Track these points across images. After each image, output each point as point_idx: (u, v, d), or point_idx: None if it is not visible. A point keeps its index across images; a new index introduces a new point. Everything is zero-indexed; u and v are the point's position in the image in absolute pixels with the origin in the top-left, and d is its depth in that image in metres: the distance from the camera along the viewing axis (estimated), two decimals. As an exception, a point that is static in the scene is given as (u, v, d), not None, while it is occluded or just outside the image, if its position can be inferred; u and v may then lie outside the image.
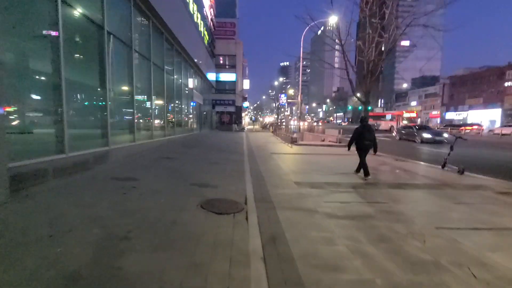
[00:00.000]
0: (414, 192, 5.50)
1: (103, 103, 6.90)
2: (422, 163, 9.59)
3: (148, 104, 10.33)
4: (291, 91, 30.13)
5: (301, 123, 23.53)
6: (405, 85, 68.95)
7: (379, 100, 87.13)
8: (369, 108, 53.95)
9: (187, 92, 16.38)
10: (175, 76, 13.45)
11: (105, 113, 6.92)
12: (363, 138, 6.51)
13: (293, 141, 16.34)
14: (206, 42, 23.77)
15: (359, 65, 15.22)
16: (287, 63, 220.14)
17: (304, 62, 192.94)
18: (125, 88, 8.39)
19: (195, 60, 16.81)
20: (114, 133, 7.33)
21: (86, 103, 6.68)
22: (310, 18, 13.05)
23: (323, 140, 18.94)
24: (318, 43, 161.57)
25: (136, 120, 8.79)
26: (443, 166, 8.29)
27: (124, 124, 8.45)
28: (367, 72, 13.34)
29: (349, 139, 6.96)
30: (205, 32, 22.96)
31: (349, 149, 6.94)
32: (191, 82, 17.93)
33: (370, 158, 7.17)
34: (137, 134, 8.88)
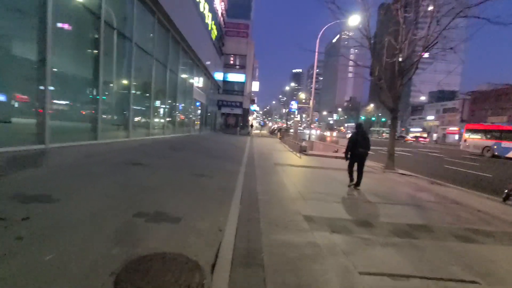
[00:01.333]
0: (500, 249, 3.37)
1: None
2: (469, 190, 7.36)
3: (127, 97, 8.50)
4: (302, 95, 27.95)
5: (313, 131, 21.55)
6: (423, 98, 65.83)
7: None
8: (383, 119, 51.21)
9: (185, 88, 14.57)
10: (168, 68, 11.65)
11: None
12: (358, 146, 6.16)
13: (302, 150, 14.25)
14: (214, 37, 22.10)
15: (382, 68, 13.07)
16: (300, 70, 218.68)
17: (318, 70, 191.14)
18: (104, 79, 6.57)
19: (197, 53, 15.03)
20: (67, 128, 5.49)
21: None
22: (336, 6, 10.93)
23: (336, 151, 16.77)
24: (333, 50, 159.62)
25: (104, 116, 6.93)
26: (506, 199, 6.11)
27: (87, 117, 6.60)
28: (398, 73, 11.19)
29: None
30: (213, 26, 21.28)
31: (346, 159, 6.49)
32: (192, 78, 16.16)
33: (399, 181, 6.73)
34: (106, 132, 7.02)
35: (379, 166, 11.31)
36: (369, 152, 6.34)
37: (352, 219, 3.99)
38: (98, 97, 6.62)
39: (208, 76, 21.43)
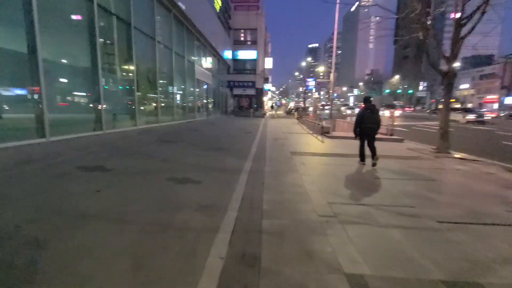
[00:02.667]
0: None
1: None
2: None
3: (117, 79, 6.73)
4: (321, 68, 24.93)
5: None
6: (456, 64, 59.18)
7: (421, 83, 77.42)
8: (410, 92, 46.88)
9: (184, 68, 12.55)
10: (161, 44, 9.65)
11: None
12: (365, 121, 5.76)
13: (324, 132, 12.01)
14: (218, 8, 19.55)
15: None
16: (316, 44, 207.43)
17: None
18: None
19: (197, 27, 12.80)
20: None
21: None
22: None
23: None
24: (350, 21, 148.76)
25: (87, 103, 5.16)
26: None
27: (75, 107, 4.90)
28: (456, 25, 8.45)
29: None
30: (216, -5, 18.71)
31: (355, 135, 6.10)
32: (194, 56, 14.05)
33: (466, 171, 5.24)
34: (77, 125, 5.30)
35: (425, 148, 8.90)
36: (379, 127, 5.86)
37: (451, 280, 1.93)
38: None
39: (215, 54, 19.17)
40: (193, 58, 13.96)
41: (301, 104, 44.60)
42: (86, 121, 6.21)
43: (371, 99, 6.08)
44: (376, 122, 5.75)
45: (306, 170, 5.43)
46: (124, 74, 7.72)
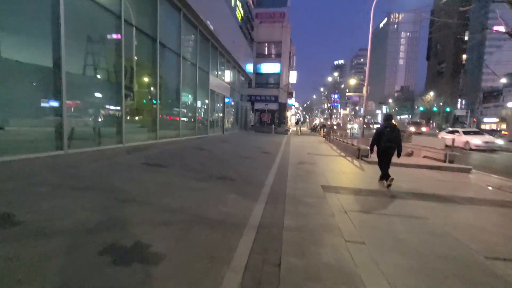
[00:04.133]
0: None
1: None
2: None
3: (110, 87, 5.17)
4: (352, 81, 22.36)
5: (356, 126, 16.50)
6: (503, 80, 53.21)
7: (460, 101, 71.47)
8: (448, 109, 42.70)
9: (198, 77, 10.99)
10: (166, 46, 8.17)
11: None
12: (383, 139, 5.55)
13: (362, 155, 9.65)
14: (240, 18, 18.31)
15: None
16: (342, 61, 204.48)
17: (362, 60, 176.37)
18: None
19: (213, 31, 11.32)
20: None
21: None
22: None
23: (411, 154, 11.65)
24: (380, 36, 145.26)
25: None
26: None
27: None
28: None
29: None
30: (238, 3, 17.48)
31: (371, 152, 6.29)
32: (210, 65, 12.56)
33: None
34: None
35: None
36: (399, 147, 5.55)
37: None
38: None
39: (234, 65, 17.72)
40: (207, 67, 12.44)
41: (328, 121, 42.01)
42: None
43: (392, 117, 5.91)
44: (395, 141, 5.53)
45: (353, 229, 3.23)
46: (139, 83, 6.27)
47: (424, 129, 35.02)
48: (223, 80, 15.40)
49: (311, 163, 8.35)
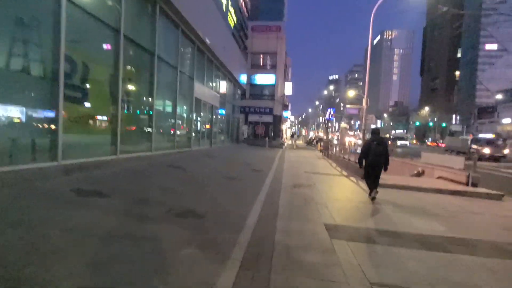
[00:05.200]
0: None
1: None
2: None
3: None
4: (350, 92, 21.04)
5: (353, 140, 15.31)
6: (499, 96, 53.32)
7: (454, 116, 71.54)
8: (443, 125, 41.91)
9: (178, 81, 9.56)
10: (134, 41, 6.77)
11: None
12: (371, 153, 5.52)
13: (368, 176, 8.14)
14: (232, 23, 17.20)
15: None
16: (336, 76, 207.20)
17: (356, 75, 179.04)
18: None
19: (198, 29, 10.03)
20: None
21: None
22: None
23: (421, 174, 10.21)
24: (374, 53, 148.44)
25: None
26: None
27: None
28: None
29: None
30: (231, 8, 16.41)
31: (360, 166, 5.95)
32: (195, 71, 11.21)
33: None
34: None
35: None
36: (386, 161, 5.58)
37: None
38: None
39: (225, 73, 16.42)
40: (191, 72, 11.06)
41: (324, 135, 40.79)
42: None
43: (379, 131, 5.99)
44: (382, 155, 5.52)
45: None
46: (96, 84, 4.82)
47: (507, 151, 20.59)
48: (212, 88, 14.02)
49: (309, 185, 6.81)
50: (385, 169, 5.68)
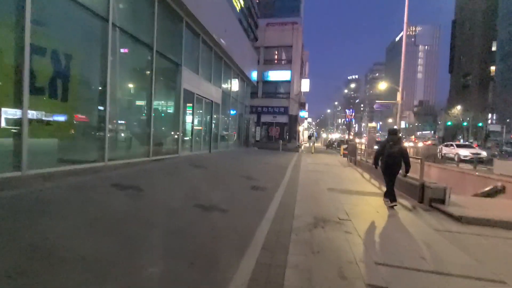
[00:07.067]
0: None
1: None
2: None
3: None
4: (382, 85, 17.74)
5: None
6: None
7: (490, 115, 64.92)
8: (480, 124, 36.87)
9: (155, 66, 7.10)
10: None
11: None
12: (386, 153, 5.19)
13: (432, 200, 5.20)
14: (237, 6, 14.69)
15: None
16: (356, 76, 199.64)
17: (377, 74, 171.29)
18: None
19: (189, 7, 7.59)
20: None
21: None
22: None
23: (501, 190, 7.05)
24: (395, 50, 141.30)
25: None
26: None
27: None
28: None
29: None
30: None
31: (376, 167, 5.59)
32: (183, 55, 8.80)
33: None
34: None
35: None
36: (405, 161, 5.09)
37: None
38: None
39: (229, 64, 13.92)
40: (178, 56, 8.63)
41: (346, 136, 37.29)
42: None
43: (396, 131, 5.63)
44: (397, 154, 5.10)
45: None
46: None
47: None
48: (211, 81, 11.53)
49: (340, 222, 4.03)
50: (406, 172, 5.31)
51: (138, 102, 6.96)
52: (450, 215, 4.54)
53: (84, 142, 5.38)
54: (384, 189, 5.85)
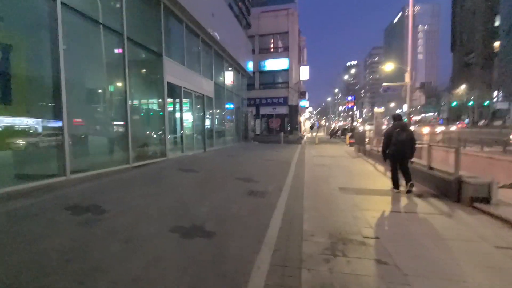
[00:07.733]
0: None
1: None
2: None
3: None
4: (388, 66, 16.62)
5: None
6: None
7: (496, 92, 63.15)
8: (486, 103, 35.29)
9: (127, 55, 6.02)
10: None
11: None
12: (394, 140, 4.98)
13: (473, 198, 4.17)
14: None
15: None
16: (355, 61, 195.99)
17: (376, 58, 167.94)
18: None
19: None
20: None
21: None
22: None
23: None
24: (394, 33, 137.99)
25: None
26: None
27: None
28: None
29: None
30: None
31: (384, 158, 5.29)
32: (163, 44, 7.70)
33: None
34: None
35: None
36: (412, 148, 4.93)
37: None
38: None
39: (220, 52, 12.77)
40: (157, 45, 7.53)
41: (348, 124, 36.08)
42: None
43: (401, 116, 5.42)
44: (407, 141, 4.90)
45: None
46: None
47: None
48: (200, 73, 10.43)
49: (364, 243, 3.02)
50: (410, 158, 5.03)
51: (109, 101, 5.92)
52: (506, 221, 3.51)
53: (39, 152, 4.38)
54: (403, 182, 4.99)
